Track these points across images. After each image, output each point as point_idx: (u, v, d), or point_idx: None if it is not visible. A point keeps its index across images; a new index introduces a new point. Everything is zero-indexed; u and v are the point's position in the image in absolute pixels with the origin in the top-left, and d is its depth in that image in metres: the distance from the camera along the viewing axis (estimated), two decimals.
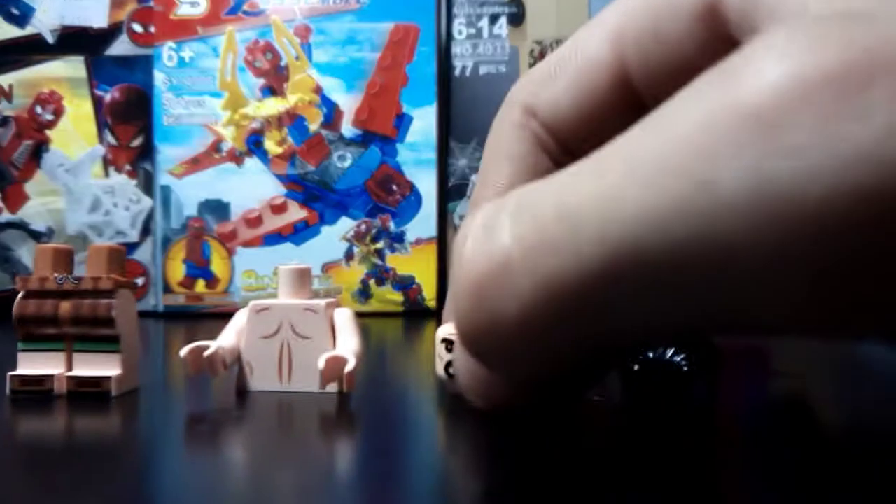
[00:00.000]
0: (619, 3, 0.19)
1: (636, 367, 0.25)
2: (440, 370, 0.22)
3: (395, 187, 0.51)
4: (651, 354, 0.25)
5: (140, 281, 0.52)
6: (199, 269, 0.51)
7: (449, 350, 0.21)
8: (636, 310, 0.14)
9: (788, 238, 0.12)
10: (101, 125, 0.53)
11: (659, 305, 0.14)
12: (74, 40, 0.53)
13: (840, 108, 0.11)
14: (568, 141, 0.20)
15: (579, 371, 0.18)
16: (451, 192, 0.52)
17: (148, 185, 0.53)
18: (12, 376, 0.22)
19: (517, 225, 0.15)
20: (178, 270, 0.51)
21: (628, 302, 0.14)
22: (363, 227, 0.51)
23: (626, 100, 0.19)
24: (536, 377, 0.17)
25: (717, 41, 0.16)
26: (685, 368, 0.24)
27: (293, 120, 0.51)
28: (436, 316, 0.47)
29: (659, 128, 0.13)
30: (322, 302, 0.23)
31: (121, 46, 0.53)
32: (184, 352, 0.22)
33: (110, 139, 0.53)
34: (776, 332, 0.15)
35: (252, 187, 0.51)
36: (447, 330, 0.22)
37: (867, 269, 0.12)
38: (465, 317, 0.16)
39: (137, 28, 0.53)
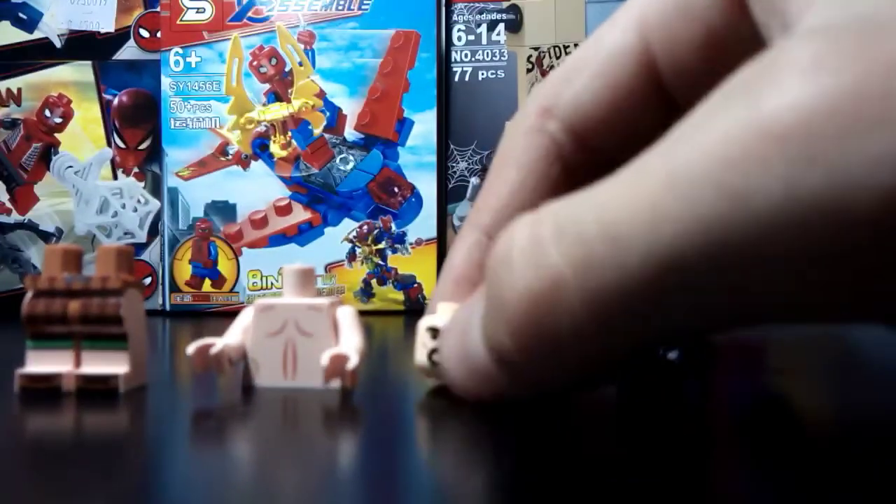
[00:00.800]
0: None
1: (632, 366, 0.25)
2: (422, 358, 0.22)
3: (396, 189, 0.52)
4: (646, 354, 0.26)
5: (148, 280, 0.53)
6: (205, 269, 0.52)
7: (434, 338, 0.22)
8: (675, 312, 0.15)
9: (814, 238, 0.13)
10: (109, 128, 0.53)
11: (696, 306, 0.14)
12: (82, 45, 0.53)
13: (860, 121, 0.12)
14: (589, 138, 0.21)
15: (599, 373, 0.19)
16: (451, 194, 0.53)
17: (156, 187, 0.53)
18: (21, 374, 0.22)
19: (563, 244, 0.15)
20: (185, 270, 0.52)
21: (669, 306, 0.14)
22: (365, 228, 0.52)
23: (650, 87, 0.19)
24: (561, 381, 0.18)
25: (743, 14, 0.17)
26: (679, 365, 0.24)
27: (297, 124, 0.52)
28: None
29: (691, 142, 0.14)
30: (325, 301, 0.23)
31: (128, 51, 0.53)
32: (190, 349, 0.22)
33: (118, 142, 0.53)
34: (793, 319, 0.15)
35: (258, 189, 0.52)
36: (432, 319, 0.22)
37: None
38: (520, 332, 0.16)
39: (144, 33, 0.53)
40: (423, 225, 0.52)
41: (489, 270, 0.17)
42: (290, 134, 0.52)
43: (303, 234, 0.52)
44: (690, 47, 0.18)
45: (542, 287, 0.15)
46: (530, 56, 0.52)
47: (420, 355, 0.22)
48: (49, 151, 0.53)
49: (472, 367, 0.19)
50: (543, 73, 0.52)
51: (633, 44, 0.19)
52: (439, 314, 0.22)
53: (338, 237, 0.52)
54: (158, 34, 0.52)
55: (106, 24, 0.53)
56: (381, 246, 0.52)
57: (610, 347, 0.16)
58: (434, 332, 0.22)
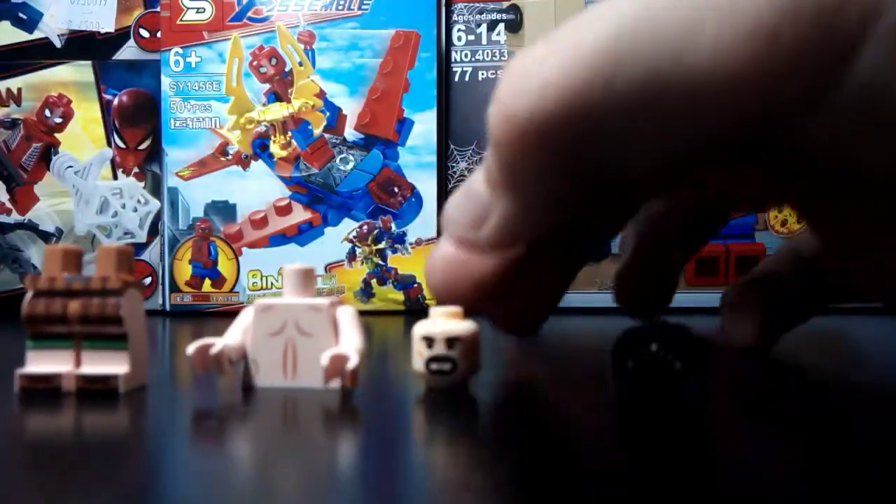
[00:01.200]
0: None
1: (630, 366, 0.25)
2: (419, 366, 0.22)
3: (396, 189, 0.52)
4: (645, 354, 0.26)
5: (148, 280, 0.53)
6: (205, 269, 0.52)
7: (429, 347, 0.22)
8: (623, 137, 0.17)
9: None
10: (109, 128, 0.53)
11: (640, 135, 0.17)
12: (82, 45, 0.53)
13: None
14: None
15: (577, 223, 0.22)
16: (451, 194, 0.53)
17: (156, 187, 0.53)
18: (21, 374, 0.22)
19: (545, 67, 0.18)
20: (185, 270, 0.52)
21: (617, 125, 0.17)
22: (365, 228, 0.52)
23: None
24: (539, 219, 0.20)
25: None
26: (678, 367, 0.24)
27: (297, 124, 0.52)
28: None
29: None
30: (325, 301, 0.23)
31: (128, 51, 0.53)
32: (190, 350, 0.22)
33: (118, 142, 0.53)
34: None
35: (258, 189, 0.52)
36: (426, 327, 0.22)
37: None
38: (495, 113, 0.19)
39: (144, 33, 0.53)
40: (424, 225, 0.52)
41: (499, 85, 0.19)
42: (290, 134, 0.52)
43: (303, 234, 0.52)
44: None
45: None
46: None
47: (417, 364, 0.23)
48: (49, 151, 0.53)
49: (472, 200, 0.21)
50: None
51: None
52: (432, 321, 0.23)
53: (338, 237, 0.52)
54: (158, 34, 0.53)
55: (106, 24, 0.53)
56: (381, 246, 0.52)
57: (565, 166, 0.19)
58: (429, 341, 0.22)
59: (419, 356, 0.22)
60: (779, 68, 0.15)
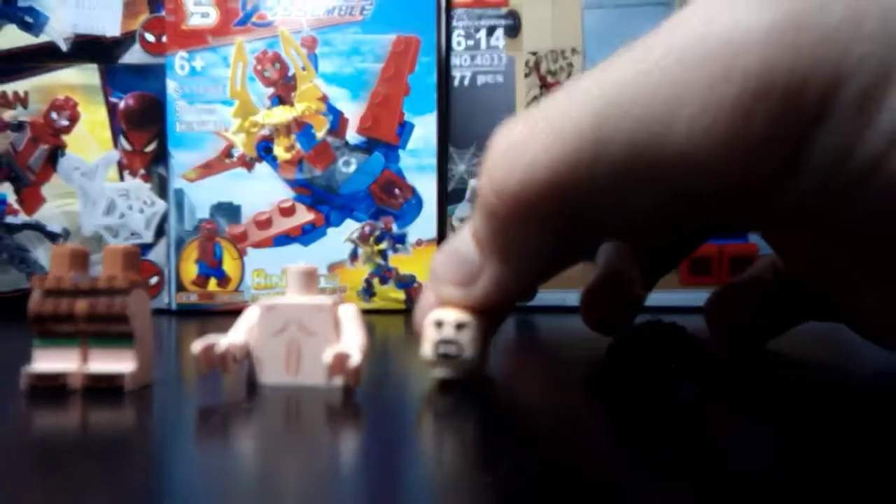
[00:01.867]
0: None
1: (628, 368, 0.25)
2: (428, 351, 0.23)
3: (397, 191, 0.52)
4: (641, 354, 0.26)
5: (154, 280, 0.53)
6: (211, 268, 0.52)
7: (439, 330, 0.22)
8: (606, 204, 0.19)
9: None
10: (115, 131, 0.53)
11: (622, 202, 0.19)
12: (88, 48, 0.53)
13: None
14: None
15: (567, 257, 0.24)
16: (451, 195, 0.53)
17: (162, 189, 0.53)
18: (28, 372, 0.22)
19: (544, 134, 0.19)
20: (190, 270, 0.52)
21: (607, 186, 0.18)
22: (367, 228, 0.52)
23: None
24: (530, 279, 0.22)
25: None
26: (673, 367, 0.25)
27: (301, 127, 0.52)
28: None
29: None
30: (328, 300, 0.23)
31: (133, 55, 0.53)
32: (196, 348, 0.22)
33: (125, 145, 0.53)
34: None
35: (262, 191, 0.52)
36: (439, 312, 0.23)
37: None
38: (503, 185, 0.20)
39: (150, 37, 0.53)
40: (424, 226, 0.52)
41: (487, 160, 0.21)
42: (293, 137, 0.52)
43: (306, 234, 0.52)
44: None
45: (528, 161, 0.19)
46: (528, 61, 0.52)
47: (426, 348, 0.23)
48: (56, 153, 0.53)
49: (460, 260, 0.22)
50: (541, 78, 0.52)
51: None
52: (445, 309, 0.23)
53: (340, 238, 0.52)
54: (164, 38, 0.53)
55: (112, 28, 0.53)
56: (383, 246, 0.52)
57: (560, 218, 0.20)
58: (439, 324, 0.22)
59: (429, 340, 0.23)
60: (753, 142, 0.17)
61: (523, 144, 0.19)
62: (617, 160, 0.18)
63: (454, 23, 0.53)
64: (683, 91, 0.17)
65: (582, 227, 0.21)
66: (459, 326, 0.22)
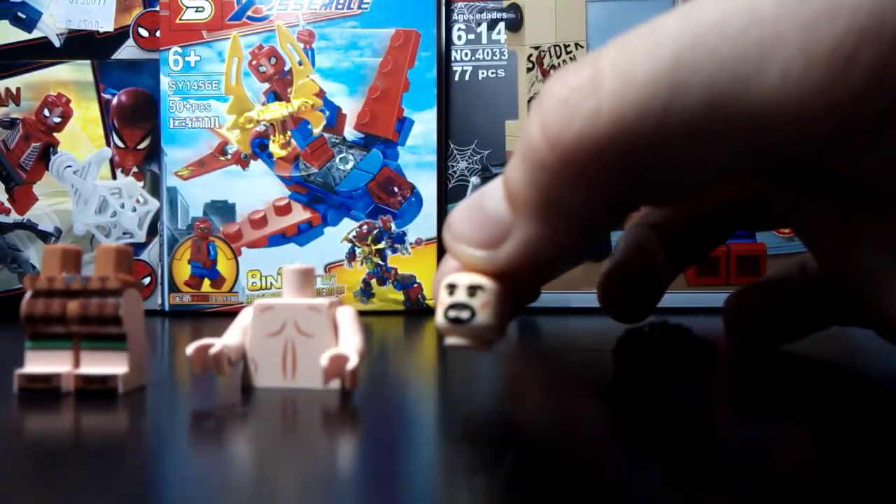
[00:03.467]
0: None
1: (632, 365, 0.25)
2: (440, 318, 0.21)
3: (396, 189, 0.52)
4: (647, 354, 0.26)
5: (147, 280, 0.53)
6: (204, 268, 0.52)
7: (451, 294, 0.20)
8: (674, 162, 0.17)
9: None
10: (108, 128, 0.53)
11: (693, 159, 0.17)
12: (81, 44, 0.53)
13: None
14: None
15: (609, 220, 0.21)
16: (451, 193, 0.53)
17: (155, 187, 0.53)
18: (20, 374, 0.22)
19: (613, 81, 0.17)
20: (184, 270, 0.52)
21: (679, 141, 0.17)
22: (365, 228, 0.52)
23: None
24: (565, 243, 0.19)
25: None
26: (679, 367, 0.24)
27: (297, 123, 0.52)
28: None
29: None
30: (325, 301, 0.23)
31: (127, 50, 0.53)
32: (190, 350, 0.22)
33: (117, 142, 0.53)
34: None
35: (257, 189, 0.52)
36: (453, 276, 0.21)
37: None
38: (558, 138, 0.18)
39: (143, 32, 0.53)
40: (423, 225, 0.52)
41: (538, 105, 0.18)
42: (289, 133, 0.52)
43: (302, 233, 0.52)
44: None
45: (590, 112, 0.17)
46: (530, 55, 0.52)
47: (437, 314, 0.21)
48: (48, 151, 0.53)
49: (485, 217, 0.20)
50: (543, 73, 0.52)
51: None
52: (459, 273, 0.21)
53: (337, 237, 0.52)
54: (157, 33, 0.52)
55: (105, 23, 0.53)
56: (381, 246, 0.52)
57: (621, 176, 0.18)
58: (452, 287, 0.21)
59: (441, 305, 0.21)
60: (853, 92, 0.15)
61: (586, 91, 0.17)
62: (691, 109, 0.16)
63: (454, 16, 0.53)
64: (781, 30, 0.15)
65: (637, 188, 0.18)
66: (472, 290, 0.21)
